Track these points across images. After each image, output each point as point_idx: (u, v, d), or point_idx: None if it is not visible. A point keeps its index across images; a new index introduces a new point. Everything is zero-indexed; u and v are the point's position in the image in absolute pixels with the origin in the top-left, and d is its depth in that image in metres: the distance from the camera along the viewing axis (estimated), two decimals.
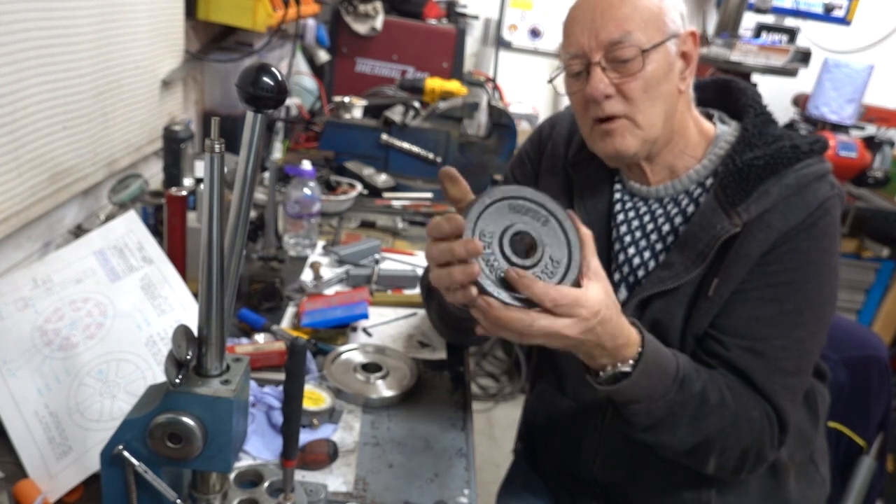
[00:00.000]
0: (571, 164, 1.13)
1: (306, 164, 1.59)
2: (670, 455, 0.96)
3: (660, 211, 1.05)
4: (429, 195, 2.00)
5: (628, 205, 1.08)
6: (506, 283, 0.79)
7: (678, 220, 1.03)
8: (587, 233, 0.82)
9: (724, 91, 1.09)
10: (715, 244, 0.94)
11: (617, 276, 1.07)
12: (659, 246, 1.04)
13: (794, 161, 0.95)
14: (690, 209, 1.02)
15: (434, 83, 2.24)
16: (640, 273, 1.05)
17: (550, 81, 1.05)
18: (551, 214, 0.82)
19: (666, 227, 1.03)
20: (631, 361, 0.85)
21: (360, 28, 2.69)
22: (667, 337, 0.99)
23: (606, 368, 0.86)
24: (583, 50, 0.96)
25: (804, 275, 0.93)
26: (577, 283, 0.80)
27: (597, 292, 0.80)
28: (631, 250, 1.06)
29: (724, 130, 1.04)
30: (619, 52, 0.93)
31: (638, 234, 1.06)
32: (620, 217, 1.08)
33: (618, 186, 1.10)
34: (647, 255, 1.04)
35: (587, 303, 0.78)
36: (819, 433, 1.15)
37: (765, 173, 0.94)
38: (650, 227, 1.05)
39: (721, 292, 0.95)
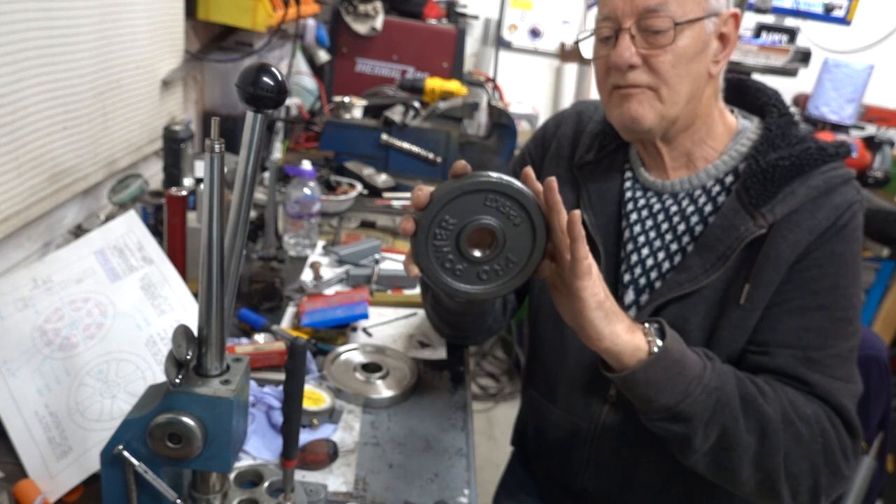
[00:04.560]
0: (578, 167, 1.09)
1: (306, 164, 1.59)
2: (733, 475, 0.87)
3: (674, 208, 1.01)
4: None
5: (640, 202, 1.04)
6: (453, 273, 0.80)
7: (694, 218, 0.99)
8: (579, 232, 0.76)
9: (740, 89, 1.06)
10: (738, 246, 0.91)
11: (627, 278, 1.03)
12: (674, 246, 1.00)
13: (821, 163, 0.92)
14: (708, 208, 0.98)
15: (434, 83, 2.24)
16: (654, 275, 1.01)
17: (577, 42, 1.01)
18: (528, 217, 0.78)
19: (682, 226, 1.00)
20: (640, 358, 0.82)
21: (360, 28, 2.69)
22: None
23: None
24: (615, 13, 0.92)
25: (845, 279, 0.90)
26: (522, 288, 0.82)
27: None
28: (645, 251, 1.02)
29: (747, 126, 1.00)
30: (651, 20, 0.89)
31: (652, 233, 1.02)
32: (633, 216, 1.04)
33: (628, 185, 1.06)
34: (661, 255, 1.01)
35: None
36: None
37: (790, 174, 0.91)
38: (664, 225, 1.01)
39: (754, 300, 0.91)
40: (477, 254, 0.79)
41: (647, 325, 0.85)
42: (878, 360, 1.30)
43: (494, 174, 0.78)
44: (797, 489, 0.87)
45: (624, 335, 0.81)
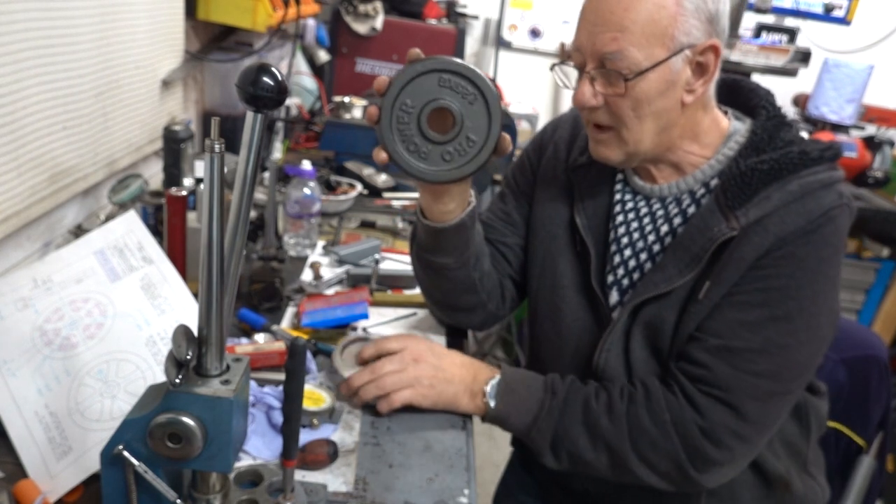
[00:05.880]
0: (572, 169, 1.10)
1: (306, 164, 1.59)
2: (601, 474, 0.97)
3: (661, 211, 1.02)
4: None
5: (629, 205, 1.05)
6: (417, 155, 0.89)
7: (677, 220, 1.00)
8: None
9: (734, 90, 1.06)
10: (710, 247, 0.91)
11: (611, 279, 1.05)
12: (656, 247, 1.01)
13: (801, 168, 0.91)
14: (691, 210, 0.99)
15: None
16: (636, 276, 1.03)
17: (552, 68, 1.01)
18: (481, 93, 0.86)
19: (664, 228, 1.01)
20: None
21: (360, 28, 2.69)
22: (657, 341, 0.97)
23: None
24: (580, 48, 0.93)
25: (798, 282, 0.89)
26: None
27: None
28: (627, 252, 1.03)
29: (738, 128, 1.00)
30: (609, 66, 0.90)
31: (636, 234, 1.03)
32: (620, 218, 1.05)
33: (618, 187, 1.07)
34: (643, 256, 1.02)
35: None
36: (812, 444, 1.12)
37: (768, 178, 0.91)
38: (649, 227, 1.02)
39: (711, 296, 0.92)
40: (439, 136, 0.87)
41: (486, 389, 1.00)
42: (878, 360, 1.30)
43: (446, 57, 0.86)
44: (665, 478, 0.95)
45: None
